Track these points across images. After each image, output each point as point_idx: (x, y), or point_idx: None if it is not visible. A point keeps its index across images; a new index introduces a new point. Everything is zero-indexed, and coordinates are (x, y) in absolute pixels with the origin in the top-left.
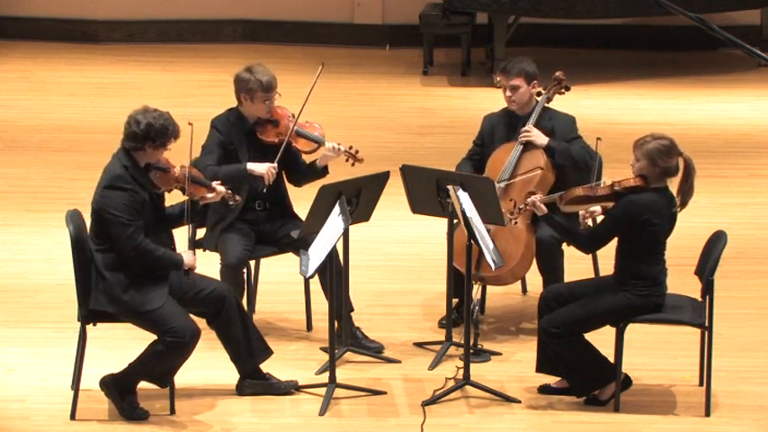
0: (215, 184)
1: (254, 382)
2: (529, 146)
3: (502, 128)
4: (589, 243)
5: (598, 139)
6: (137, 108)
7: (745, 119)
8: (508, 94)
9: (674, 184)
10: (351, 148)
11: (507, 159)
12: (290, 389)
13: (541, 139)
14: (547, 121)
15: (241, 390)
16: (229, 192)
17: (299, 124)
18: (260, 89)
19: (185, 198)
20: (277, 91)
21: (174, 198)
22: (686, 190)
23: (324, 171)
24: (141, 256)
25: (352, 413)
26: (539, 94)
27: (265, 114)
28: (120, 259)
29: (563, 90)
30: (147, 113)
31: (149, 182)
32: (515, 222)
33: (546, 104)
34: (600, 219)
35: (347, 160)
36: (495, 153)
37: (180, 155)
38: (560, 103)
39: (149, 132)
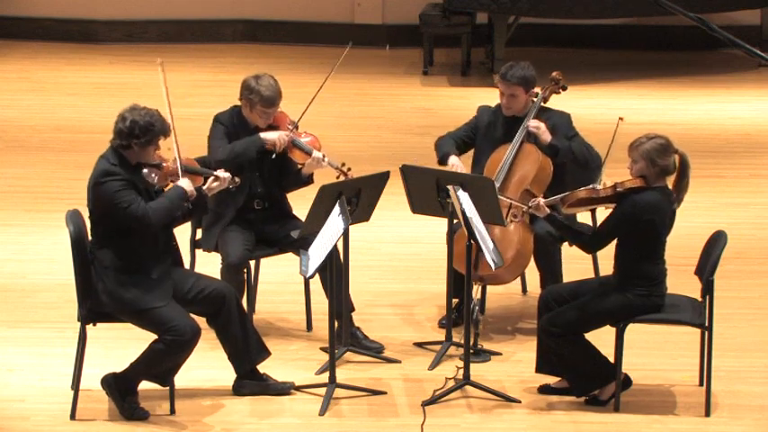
0: (216, 171)
1: (251, 382)
2: (524, 146)
3: (500, 126)
4: (592, 243)
5: (620, 118)
6: (126, 106)
7: (745, 119)
8: (504, 101)
9: (669, 182)
10: (343, 165)
11: (502, 160)
12: (286, 390)
13: (546, 135)
14: (546, 121)
15: (238, 390)
16: (228, 175)
17: (296, 134)
18: (260, 102)
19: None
20: (278, 107)
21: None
22: (682, 186)
23: (308, 180)
24: (159, 217)
25: (352, 413)
26: (535, 95)
27: (262, 125)
28: (151, 234)
29: (559, 90)
30: (134, 111)
31: (143, 180)
32: (516, 222)
33: (542, 104)
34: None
35: (338, 177)
36: (493, 156)
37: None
38: (559, 103)
39: (134, 129)
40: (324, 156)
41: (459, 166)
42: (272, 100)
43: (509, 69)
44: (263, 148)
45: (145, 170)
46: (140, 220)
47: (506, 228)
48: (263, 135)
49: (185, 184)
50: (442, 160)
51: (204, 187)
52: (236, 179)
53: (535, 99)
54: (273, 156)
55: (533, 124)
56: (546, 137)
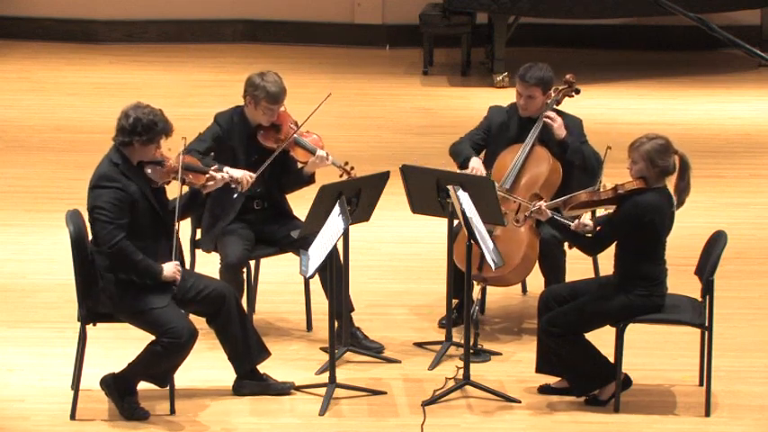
0: (213, 169)
1: (251, 382)
2: (535, 148)
3: (513, 127)
4: (594, 246)
5: (608, 148)
6: (130, 103)
7: (745, 119)
8: (522, 102)
9: (669, 183)
10: (347, 164)
11: (512, 162)
12: (286, 390)
13: (561, 130)
14: None
15: (238, 390)
16: (222, 176)
17: (299, 133)
18: (265, 99)
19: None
20: (282, 104)
21: (173, 192)
22: (683, 187)
23: (310, 179)
24: (118, 255)
25: (352, 413)
26: (550, 96)
27: (266, 122)
28: (99, 256)
29: (572, 93)
30: (138, 109)
31: (145, 178)
32: (520, 227)
33: (555, 106)
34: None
35: (341, 176)
36: (502, 156)
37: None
38: (564, 104)
39: (136, 127)
40: (328, 154)
41: (481, 168)
42: (278, 96)
43: (528, 71)
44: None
45: (148, 169)
46: (102, 240)
47: (515, 231)
48: (226, 169)
49: (166, 270)
50: (464, 164)
51: (199, 184)
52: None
53: (548, 101)
54: (236, 195)
55: (549, 115)
56: (560, 132)
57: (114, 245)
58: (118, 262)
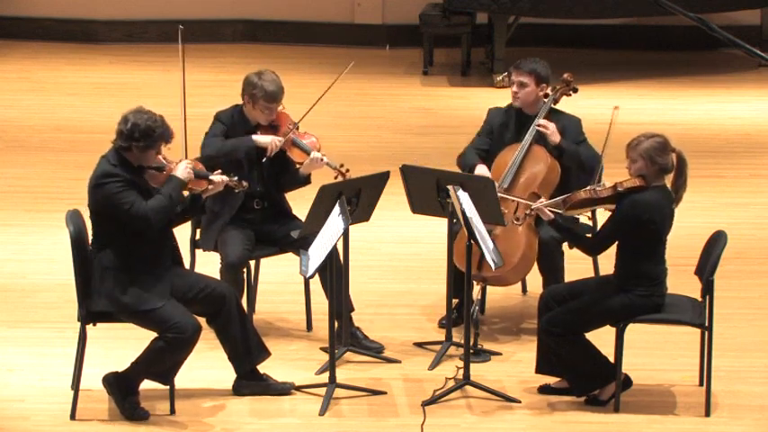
0: (215, 174)
1: (251, 382)
2: (533, 147)
3: (512, 126)
4: (595, 246)
5: (615, 107)
6: (133, 107)
7: (745, 119)
8: (514, 89)
9: (667, 181)
10: (342, 166)
11: (510, 161)
12: (286, 390)
13: (555, 136)
14: (556, 123)
15: (238, 390)
16: (235, 179)
17: (296, 134)
18: (263, 98)
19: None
20: (281, 103)
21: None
22: (680, 184)
23: (305, 180)
24: (160, 217)
25: (352, 413)
26: (546, 95)
27: (264, 122)
28: (152, 233)
29: (570, 92)
30: (138, 113)
31: (146, 182)
32: (519, 225)
33: (553, 105)
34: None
35: (336, 177)
36: (500, 155)
37: (176, 151)
38: (561, 103)
39: (134, 132)
40: (323, 156)
41: (487, 175)
42: (275, 95)
43: (524, 61)
44: (252, 150)
45: (146, 175)
46: (141, 221)
47: (514, 230)
48: (254, 137)
49: (180, 172)
50: (471, 172)
51: (200, 190)
52: (245, 183)
53: (546, 100)
54: (264, 159)
55: (542, 123)
56: (555, 138)
57: (147, 215)
58: (165, 219)
